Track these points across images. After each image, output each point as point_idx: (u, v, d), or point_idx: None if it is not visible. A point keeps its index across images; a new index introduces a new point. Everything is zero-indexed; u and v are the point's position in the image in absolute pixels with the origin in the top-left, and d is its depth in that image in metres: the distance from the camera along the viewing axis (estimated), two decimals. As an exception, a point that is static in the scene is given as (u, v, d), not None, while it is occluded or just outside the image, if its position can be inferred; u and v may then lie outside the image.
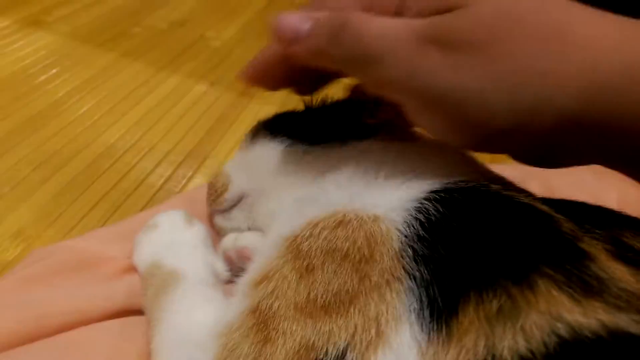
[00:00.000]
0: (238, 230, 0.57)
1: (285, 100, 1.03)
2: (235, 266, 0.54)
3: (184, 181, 0.77)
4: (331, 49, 0.35)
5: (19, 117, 0.88)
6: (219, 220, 0.58)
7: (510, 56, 0.30)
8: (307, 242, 0.36)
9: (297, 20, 0.37)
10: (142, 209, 0.71)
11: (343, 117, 0.52)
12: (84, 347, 0.44)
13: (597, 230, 0.36)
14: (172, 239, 0.55)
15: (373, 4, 0.37)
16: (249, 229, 0.56)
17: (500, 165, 0.45)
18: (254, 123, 0.96)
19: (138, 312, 0.49)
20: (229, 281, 0.53)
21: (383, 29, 0.34)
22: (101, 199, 0.72)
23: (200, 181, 0.78)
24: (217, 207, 0.57)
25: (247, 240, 0.54)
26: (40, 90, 0.91)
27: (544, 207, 0.34)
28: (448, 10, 0.32)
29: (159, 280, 0.48)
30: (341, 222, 0.36)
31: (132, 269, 0.55)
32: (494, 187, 0.37)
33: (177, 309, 0.43)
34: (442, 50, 0.32)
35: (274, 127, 0.54)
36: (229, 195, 0.56)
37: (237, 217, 0.56)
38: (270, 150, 0.52)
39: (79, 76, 0.94)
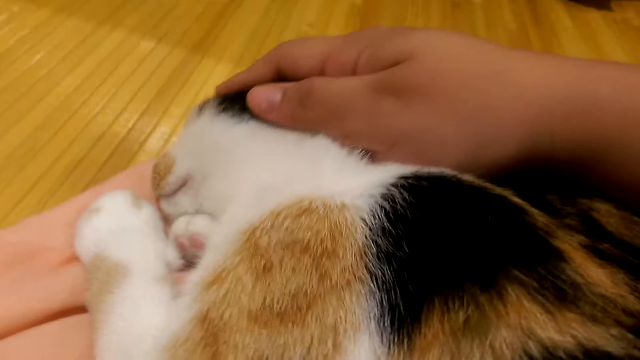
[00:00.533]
0: (184, 214, 0.52)
1: (242, 57, 0.96)
2: (188, 253, 0.50)
3: (134, 148, 0.72)
4: (301, 112, 0.41)
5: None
6: (164, 206, 0.53)
7: (450, 96, 0.35)
8: (266, 236, 0.32)
9: (270, 93, 0.44)
10: (85, 187, 0.65)
11: None
12: (17, 357, 0.40)
13: (568, 208, 0.34)
14: (118, 225, 0.51)
15: (332, 66, 0.43)
16: (196, 213, 0.52)
17: None
18: (210, 81, 0.90)
19: (81, 309, 0.45)
20: (182, 269, 0.50)
21: (342, 88, 0.40)
22: (40, 178, 0.66)
23: (153, 146, 0.73)
24: (161, 191, 0.53)
25: (200, 225, 0.50)
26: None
27: (518, 200, 0.31)
28: (396, 64, 0.37)
29: (103, 274, 0.44)
30: (306, 210, 0.32)
31: (75, 259, 0.50)
32: (467, 176, 0.34)
33: (121, 311, 0.39)
34: (393, 96, 0.37)
35: (224, 101, 0.49)
36: (173, 178, 0.51)
37: (183, 201, 0.52)
38: (220, 126, 0.47)
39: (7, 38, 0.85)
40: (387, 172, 0.35)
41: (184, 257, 0.51)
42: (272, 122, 0.44)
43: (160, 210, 0.55)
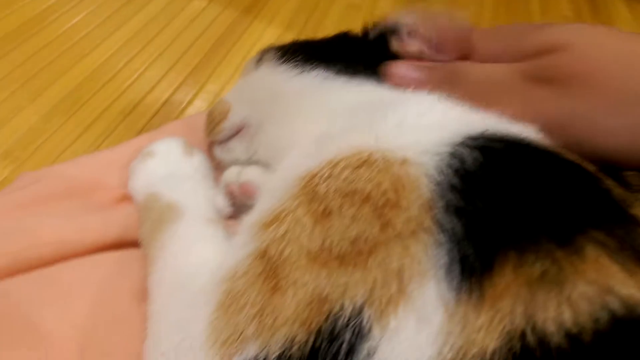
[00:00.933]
0: (237, 163, 0.53)
1: (293, 20, 0.95)
2: (238, 201, 0.51)
3: (182, 105, 0.72)
4: (448, 91, 0.40)
5: (3, 26, 0.81)
6: (218, 152, 0.54)
7: (612, 85, 0.35)
8: (324, 184, 0.32)
9: (413, 70, 0.44)
10: (138, 134, 0.66)
11: (368, 46, 0.47)
12: (75, 282, 0.42)
13: None
14: (171, 169, 0.52)
15: (478, 53, 0.43)
16: (249, 161, 0.52)
17: None
18: (258, 44, 0.90)
19: (135, 244, 0.46)
20: (231, 217, 0.51)
21: (492, 72, 0.41)
22: (95, 121, 0.68)
23: (200, 105, 0.73)
24: (215, 137, 0.53)
25: (251, 174, 0.51)
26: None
27: (593, 169, 0.31)
28: (545, 53, 0.38)
29: (157, 214, 0.45)
30: (365, 162, 0.32)
31: (127, 198, 0.51)
32: (541, 142, 0.33)
33: (176, 247, 0.40)
34: (548, 83, 0.38)
35: (286, 52, 0.49)
36: (228, 124, 0.51)
37: (236, 148, 0.52)
38: (281, 75, 0.47)
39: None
40: (454, 131, 0.34)
41: (233, 205, 0.51)
42: (333, 73, 0.44)
43: (211, 159, 0.56)
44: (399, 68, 0.45)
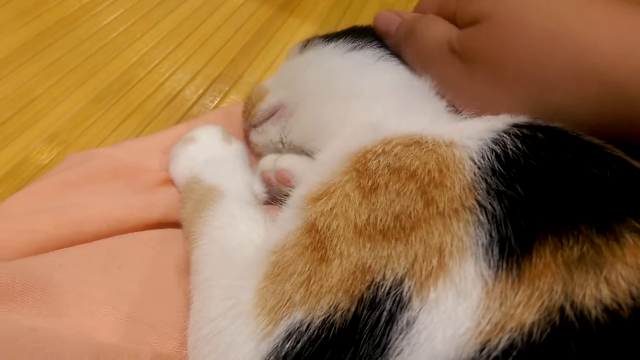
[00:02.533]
0: (271, 144, 0.55)
1: (327, 18, 0.97)
2: (274, 188, 0.52)
3: (218, 98, 0.75)
4: (403, 47, 0.45)
5: (50, 17, 0.84)
6: (253, 135, 0.56)
7: (517, 67, 0.36)
8: (376, 160, 0.34)
9: (391, 20, 0.48)
10: (176, 123, 0.69)
11: None
12: (122, 256, 0.44)
13: None
14: (211, 155, 0.53)
15: (444, 10, 0.44)
16: (282, 143, 0.54)
17: None
18: (293, 41, 0.92)
19: (175, 224, 0.48)
20: (266, 203, 0.52)
21: (433, 38, 0.42)
22: (136, 109, 0.70)
23: (235, 98, 0.75)
24: (251, 120, 0.55)
25: (288, 162, 0.52)
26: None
27: (637, 164, 0.31)
28: (474, 23, 0.38)
29: (199, 195, 0.47)
30: (416, 142, 0.34)
31: (168, 181, 0.54)
32: (584, 135, 0.34)
33: (219, 224, 0.42)
34: (461, 60, 0.39)
35: (335, 35, 0.50)
36: (264, 105, 0.53)
37: (270, 130, 0.54)
38: (331, 52, 0.49)
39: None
40: (499, 120, 0.35)
41: (268, 192, 0.53)
42: (389, 54, 0.47)
43: (248, 148, 0.57)
44: (382, 15, 0.49)
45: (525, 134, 0.32)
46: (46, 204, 0.46)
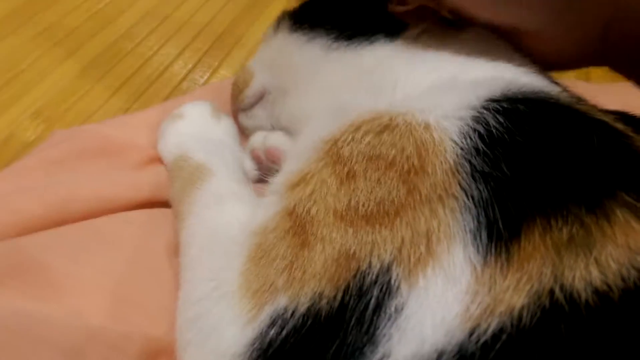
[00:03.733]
0: (261, 129, 0.54)
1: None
2: (263, 166, 0.52)
3: (209, 72, 0.73)
4: None
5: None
6: (242, 119, 0.55)
7: None
8: (348, 147, 0.33)
9: None
10: (165, 99, 0.67)
11: (369, 7, 0.46)
12: (110, 236, 0.43)
13: None
14: (200, 132, 0.53)
15: None
16: (272, 127, 0.53)
17: (569, 80, 0.40)
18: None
19: (164, 204, 0.48)
20: (257, 180, 0.52)
21: None
22: (123, 84, 0.69)
23: (224, 74, 0.74)
24: (239, 105, 0.54)
25: (277, 140, 0.51)
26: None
27: (621, 126, 0.31)
28: None
29: (187, 173, 0.46)
30: (387, 127, 0.33)
31: (157, 159, 0.53)
32: (565, 99, 0.33)
33: (207, 202, 0.41)
34: None
35: (298, 18, 0.49)
36: (250, 92, 0.52)
37: (259, 115, 0.53)
38: (293, 44, 0.48)
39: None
40: (474, 94, 0.34)
41: (259, 168, 0.52)
42: (343, 39, 0.44)
43: (237, 125, 0.57)
44: None
45: (506, 107, 0.31)
46: (32, 183, 0.46)
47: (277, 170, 0.39)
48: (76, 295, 0.38)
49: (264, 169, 0.52)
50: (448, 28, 0.43)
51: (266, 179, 0.45)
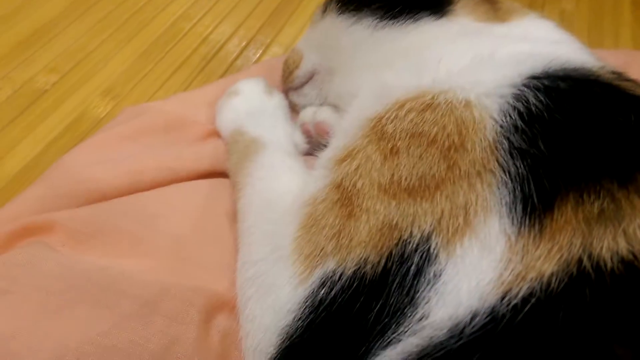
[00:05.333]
0: (311, 105, 0.57)
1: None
2: (313, 139, 0.55)
3: (261, 49, 0.76)
4: None
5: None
6: (293, 97, 0.59)
7: None
8: (392, 124, 0.35)
9: None
10: (221, 76, 0.71)
11: None
12: (177, 203, 0.48)
13: None
14: (254, 107, 0.56)
15: None
16: (321, 104, 0.56)
17: (600, 50, 0.40)
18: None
19: (223, 174, 0.52)
20: (307, 153, 0.55)
21: None
22: (183, 63, 0.73)
23: (276, 51, 0.77)
24: (290, 84, 0.57)
25: (326, 114, 0.54)
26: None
27: None
28: None
29: (242, 147, 0.50)
30: (429, 106, 0.34)
31: (215, 133, 0.57)
32: (605, 75, 0.33)
33: (261, 174, 0.45)
34: None
35: (345, 1, 0.51)
36: (300, 72, 0.56)
37: (309, 93, 0.57)
38: (340, 25, 0.50)
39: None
40: (515, 71, 0.34)
41: (308, 142, 0.55)
42: (388, 18, 0.46)
43: (288, 100, 0.60)
44: None
45: (547, 85, 0.32)
46: (104, 157, 0.51)
47: (325, 145, 0.42)
48: (150, 256, 0.43)
49: (313, 143, 0.55)
50: (494, 11, 0.44)
51: (315, 152, 0.49)
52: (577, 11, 0.95)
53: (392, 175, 0.33)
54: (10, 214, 0.45)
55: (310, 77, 0.56)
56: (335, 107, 0.55)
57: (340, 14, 0.50)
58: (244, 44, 0.77)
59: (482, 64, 0.37)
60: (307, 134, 0.56)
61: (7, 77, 0.70)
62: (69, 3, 0.82)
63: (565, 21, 0.92)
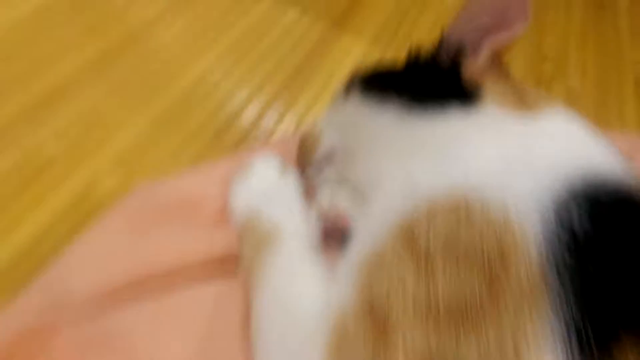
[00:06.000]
0: (328, 182, 0.56)
1: (378, 35, 0.96)
2: (330, 225, 0.53)
3: (273, 120, 0.76)
4: None
5: (112, 35, 0.88)
6: (309, 174, 0.57)
7: None
8: (425, 237, 0.32)
9: None
10: (235, 145, 0.71)
11: (441, 74, 0.46)
12: (186, 313, 0.47)
13: None
14: (269, 189, 0.55)
15: None
16: (338, 182, 0.55)
17: (609, 133, 0.39)
18: (344, 60, 0.91)
19: (237, 258, 0.50)
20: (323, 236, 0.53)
21: None
22: (197, 132, 0.73)
23: (290, 120, 0.77)
24: (308, 164, 0.56)
25: (345, 201, 0.53)
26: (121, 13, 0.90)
27: None
28: None
29: (259, 236, 0.48)
30: (466, 217, 0.32)
31: (228, 212, 0.56)
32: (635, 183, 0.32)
33: (279, 277, 0.42)
34: None
35: (369, 84, 0.50)
36: (320, 152, 0.54)
37: (328, 172, 0.55)
38: (364, 109, 0.49)
39: (157, 3, 0.92)
40: (552, 175, 0.33)
41: (325, 226, 0.54)
42: (415, 107, 0.44)
43: (302, 177, 0.58)
44: None
45: (587, 197, 0.31)
46: (117, 247, 0.50)
47: (343, 231, 0.40)
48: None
49: (330, 228, 0.53)
50: (522, 101, 0.43)
51: (331, 237, 0.47)
52: (583, 89, 0.96)
53: (429, 299, 0.30)
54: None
55: (329, 157, 0.55)
56: (354, 189, 0.53)
57: (364, 97, 0.49)
58: (258, 112, 0.77)
59: (516, 164, 0.35)
60: (323, 216, 0.54)
61: (15, 142, 0.69)
62: (76, 71, 0.81)
63: (571, 98, 0.93)
